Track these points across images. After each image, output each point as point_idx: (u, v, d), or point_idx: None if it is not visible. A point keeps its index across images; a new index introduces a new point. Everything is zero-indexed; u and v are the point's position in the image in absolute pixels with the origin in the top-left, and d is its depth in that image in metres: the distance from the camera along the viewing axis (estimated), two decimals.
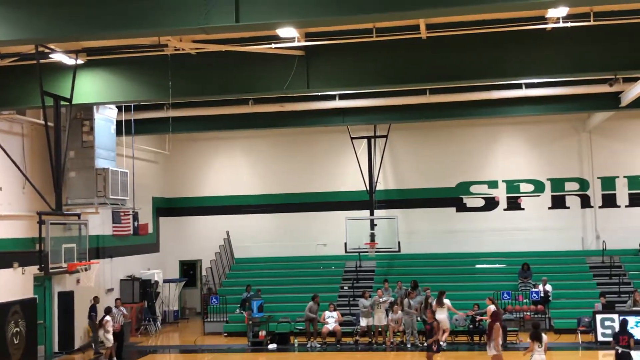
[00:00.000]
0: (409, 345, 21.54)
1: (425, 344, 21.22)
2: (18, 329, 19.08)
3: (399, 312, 22.10)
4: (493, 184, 28.42)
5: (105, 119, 21.12)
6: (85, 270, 19.12)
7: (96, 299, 21.53)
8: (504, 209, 28.29)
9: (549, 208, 28.06)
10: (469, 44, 15.91)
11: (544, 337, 14.83)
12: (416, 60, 16.47)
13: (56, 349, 21.59)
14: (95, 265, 19.87)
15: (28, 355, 19.49)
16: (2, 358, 18.41)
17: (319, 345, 21.91)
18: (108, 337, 20.06)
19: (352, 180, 28.62)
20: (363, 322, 22.11)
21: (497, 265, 27.13)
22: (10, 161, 18.20)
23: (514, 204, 28.23)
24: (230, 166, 30.28)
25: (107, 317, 20.16)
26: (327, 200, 29.33)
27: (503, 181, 28.35)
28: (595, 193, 27.86)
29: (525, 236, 27.72)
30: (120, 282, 25.40)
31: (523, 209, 28.17)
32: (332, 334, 22.18)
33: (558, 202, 28.01)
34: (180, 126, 23.45)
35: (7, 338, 18.65)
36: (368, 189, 27.71)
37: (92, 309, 21.26)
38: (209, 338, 24.23)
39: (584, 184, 27.95)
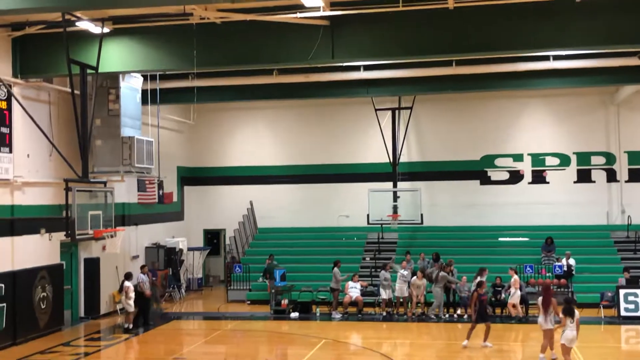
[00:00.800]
0: (431, 316, 21.57)
1: (455, 315, 21.39)
2: (45, 294, 19.39)
3: (423, 279, 22.02)
4: (518, 157, 28.16)
5: (131, 88, 21.16)
6: (111, 237, 19.32)
7: (143, 268, 21.70)
8: (529, 183, 28.07)
9: (574, 182, 27.78)
10: (496, 15, 15.70)
11: (576, 312, 14.75)
12: (443, 30, 16.29)
13: (82, 314, 21.92)
14: (121, 233, 20.06)
15: (54, 319, 19.85)
16: (29, 322, 18.75)
17: (341, 315, 22.01)
18: (129, 303, 20.30)
19: (376, 152, 28.51)
20: (384, 294, 22.14)
21: (520, 239, 26.99)
22: (37, 129, 18.32)
23: (538, 178, 27.98)
24: (254, 137, 30.30)
25: (127, 283, 20.38)
26: (350, 172, 29.30)
27: (528, 154, 28.08)
28: (622, 167, 27.52)
29: (549, 210, 27.52)
30: (145, 249, 25.67)
31: (548, 183, 27.92)
32: (353, 304, 22.26)
33: (584, 176, 27.72)
34: (205, 96, 23.47)
35: (34, 302, 18.98)
36: (391, 161, 27.61)
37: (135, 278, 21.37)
38: (232, 306, 24.46)
39: (610, 158, 27.60)
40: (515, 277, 21.62)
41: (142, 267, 21.90)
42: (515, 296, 21.36)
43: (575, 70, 21.70)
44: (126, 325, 20.21)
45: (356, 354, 17.53)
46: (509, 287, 21.60)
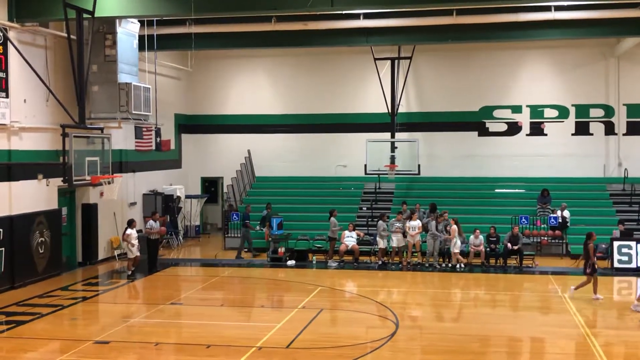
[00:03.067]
0: (426, 265, 21.77)
1: (449, 265, 21.57)
2: (43, 239, 19.51)
3: (417, 219, 22.14)
4: (517, 109, 28.06)
5: (128, 34, 20.94)
6: (109, 183, 19.34)
7: (154, 215, 21.78)
8: (527, 134, 28.01)
9: (572, 134, 27.72)
10: None
11: None
12: None
13: (80, 259, 22.09)
14: (118, 179, 20.07)
15: (52, 264, 20.01)
16: (27, 266, 18.91)
17: (336, 263, 22.20)
18: (132, 250, 20.43)
19: (374, 102, 28.37)
20: (381, 243, 22.28)
21: (516, 190, 27.08)
22: (33, 74, 18.17)
23: (537, 129, 27.92)
24: (252, 85, 30.10)
25: (130, 230, 20.48)
26: (348, 121, 29.20)
27: (527, 106, 27.96)
28: (620, 120, 27.46)
29: (546, 162, 27.55)
30: (143, 196, 25.74)
31: (546, 135, 27.88)
32: (350, 252, 22.44)
33: (582, 129, 27.65)
34: (202, 43, 23.21)
35: (32, 247, 19.11)
36: (390, 111, 27.49)
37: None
38: (229, 253, 24.62)
39: (609, 110, 27.50)
40: (454, 226, 21.77)
41: (152, 214, 21.94)
42: (456, 245, 21.62)
43: (575, 22, 21.47)
44: (129, 272, 20.36)
45: (351, 301, 17.73)
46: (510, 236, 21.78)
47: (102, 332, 14.25)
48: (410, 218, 22.38)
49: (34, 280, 19.09)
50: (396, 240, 22.11)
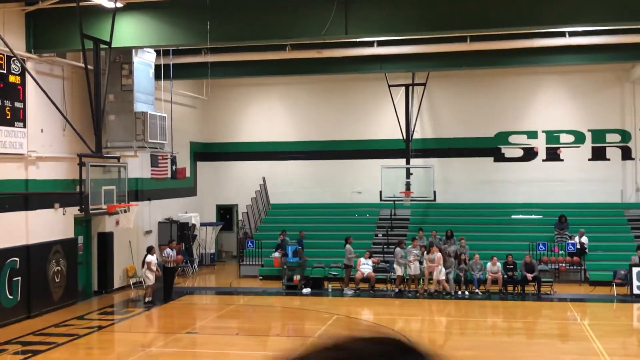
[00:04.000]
0: (443, 293, 21.67)
1: (459, 292, 21.43)
2: (59, 268, 19.60)
3: (437, 252, 22.02)
4: (532, 134, 28.01)
5: (144, 63, 21.18)
6: (125, 212, 19.47)
7: (171, 243, 21.86)
8: (543, 160, 27.91)
9: (589, 159, 27.60)
10: None
11: None
12: (458, 5, 16.16)
13: (96, 288, 22.15)
14: (134, 207, 20.21)
15: (68, 293, 20.07)
16: (44, 295, 18.96)
17: (352, 291, 22.12)
18: (149, 276, 20.49)
19: (389, 129, 28.38)
20: (398, 270, 22.17)
21: (533, 216, 26.91)
22: (51, 103, 18.38)
23: (553, 155, 27.82)
24: (267, 112, 30.27)
25: (150, 257, 20.55)
26: (363, 148, 29.23)
27: (543, 131, 27.89)
28: (637, 145, 27.31)
29: (563, 187, 27.38)
30: (159, 224, 25.84)
31: (562, 160, 27.75)
32: (365, 280, 22.36)
33: (598, 154, 27.54)
34: (218, 71, 23.44)
35: (49, 276, 19.19)
36: (405, 137, 27.52)
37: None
38: (244, 281, 24.64)
39: (625, 135, 27.40)
40: (438, 254, 21.75)
41: (169, 242, 22.02)
42: (441, 273, 21.56)
43: (590, 47, 21.49)
44: (147, 299, 20.40)
45: (367, 330, 17.58)
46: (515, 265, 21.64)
47: None
48: (429, 251, 22.23)
49: (50, 309, 19.13)
50: (413, 268, 22.01)
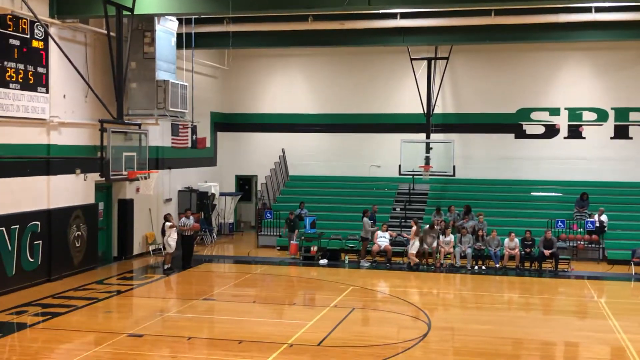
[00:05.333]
0: (457, 265, 21.70)
1: (476, 267, 21.46)
2: (79, 233, 19.80)
3: (451, 235, 22.19)
4: (555, 111, 27.72)
5: (166, 31, 21.15)
6: (145, 178, 19.56)
7: (187, 212, 21.86)
8: (565, 137, 27.63)
9: (611, 138, 27.26)
10: None
11: None
12: None
13: (115, 254, 22.38)
14: (155, 175, 20.28)
15: (89, 258, 20.30)
16: (64, 259, 19.20)
17: (369, 263, 22.17)
18: (170, 244, 20.62)
19: (410, 103, 28.27)
20: (413, 247, 22.22)
21: (553, 194, 26.74)
22: (73, 70, 18.43)
23: (575, 133, 27.53)
24: (288, 84, 30.20)
25: (168, 223, 20.69)
26: (383, 121, 29.12)
27: (565, 109, 27.60)
28: None
29: (584, 165, 27.16)
30: (178, 192, 25.99)
31: (584, 138, 27.46)
32: (382, 253, 22.40)
33: (621, 132, 27.19)
34: (240, 42, 23.33)
35: (69, 240, 19.40)
36: (425, 111, 27.38)
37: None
38: (262, 251, 24.80)
39: None
40: (414, 227, 21.89)
41: (185, 210, 22.12)
42: (414, 246, 21.73)
43: (616, 23, 21.16)
44: (166, 266, 20.58)
45: (383, 301, 17.71)
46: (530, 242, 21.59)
47: (136, 325, 14.42)
48: (444, 233, 22.23)
49: (70, 273, 19.38)
50: (428, 242, 22.03)
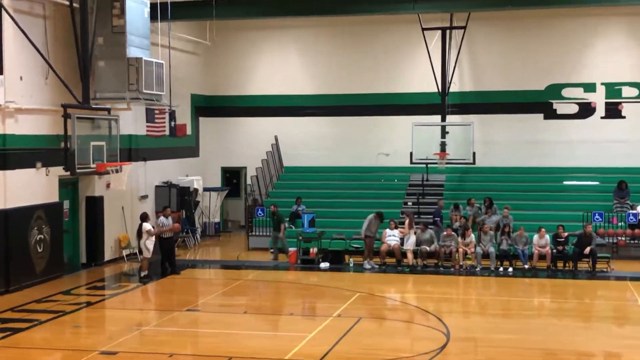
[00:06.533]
0: (478, 269, 21.72)
1: (501, 269, 21.49)
2: (42, 236, 19.77)
3: (472, 235, 22.21)
4: (590, 87, 27.73)
5: (138, 1, 21.09)
6: (116, 172, 19.55)
7: (165, 210, 21.84)
8: (602, 117, 27.67)
9: None
10: None
11: None
12: None
13: (84, 260, 22.37)
14: (127, 167, 20.26)
15: (53, 265, 20.26)
16: (24, 267, 19.16)
17: (377, 266, 22.19)
18: (148, 247, 20.61)
19: (422, 80, 28.28)
20: (409, 243, 22.32)
21: (589, 183, 26.81)
22: (31, 47, 18.40)
23: (613, 111, 27.55)
24: (281, 61, 30.17)
25: (147, 224, 20.68)
26: (391, 102, 29.12)
27: (602, 84, 27.63)
28: None
29: (624, 149, 27.19)
30: (156, 188, 25.98)
31: (624, 117, 27.50)
32: (391, 253, 22.43)
33: None
34: (224, 11, 23.28)
35: (30, 246, 19.36)
36: (440, 90, 27.38)
37: None
38: (253, 254, 24.80)
39: None
40: (407, 221, 22.27)
41: (164, 209, 22.11)
42: (410, 242, 21.96)
43: None
44: (142, 273, 20.58)
45: (394, 308, 17.76)
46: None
47: (109, 341, 14.38)
48: (463, 235, 22.26)
49: (32, 283, 19.33)
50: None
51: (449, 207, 24.74)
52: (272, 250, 24.13)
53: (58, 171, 19.84)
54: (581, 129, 27.75)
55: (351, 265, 22.66)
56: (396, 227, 22.83)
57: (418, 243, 22.37)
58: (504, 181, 27.21)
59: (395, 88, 29.11)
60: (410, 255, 22.03)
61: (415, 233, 22.38)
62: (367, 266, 22.14)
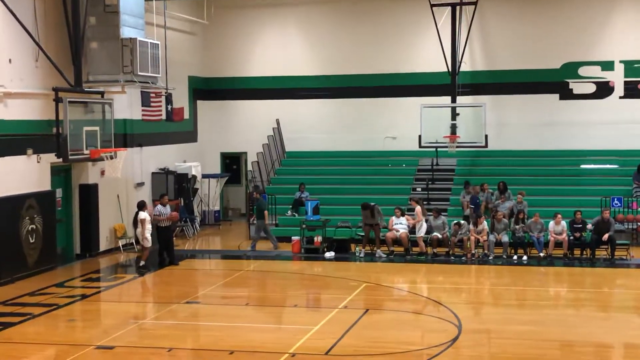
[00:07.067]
0: (490, 258, 21.74)
1: (515, 257, 21.53)
2: (34, 226, 19.82)
3: (484, 222, 22.20)
4: (608, 66, 27.66)
5: None
6: (111, 158, 19.58)
7: (163, 198, 21.77)
8: (620, 97, 27.62)
9: None
10: None
11: None
12: None
13: (78, 250, 22.44)
14: (122, 153, 20.30)
15: (46, 256, 20.33)
16: (15, 259, 19.22)
17: (385, 255, 22.23)
18: (147, 237, 20.65)
19: (431, 59, 28.20)
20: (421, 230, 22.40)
21: (607, 166, 26.83)
22: (20, 28, 18.38)
23: (633, 91, 27.49)
24: (282, 41, 30.12)
25: (143, 214, 20.70)
26: (399, 83, 29.10)
27: (620, 62, 27.56)
28: None
29: None
30: (152, 175, 26.01)
31: None
32: (398, 242, 22.46)
33: None
34: None
35: (22, 236, 19.41)
36: (450, 70, 27.30)
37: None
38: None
39: None
40: (418, 207, 22.29)
41: (161, 196, 22.12)
42: (422, 229, 22.15)
43: None
44: (141, 263, 20.63)
45: (402, 300, 17.76)
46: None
47: (105, 335, 14.42)
48: (475, 224, 22.24)
49: (24, 275, 19.40)
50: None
51: (459, 193, 24.79)
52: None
53: (50, 158, 19.87)
54: (599, 109, 27.71)
55: (358, 254, 22.57)
56: (402, 215, 22.79)
57: (429, 230, 22.42)
58: (517, 165, 27.21)
59: (403, 68, 29.06)
60: (421, 243, 22.06)
61: (427, 221, 22.42)
62: (361, 255, 22.33)
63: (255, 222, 24.21)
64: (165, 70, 22.77)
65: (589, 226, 21.59)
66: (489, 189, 24.55)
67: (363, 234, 23.03)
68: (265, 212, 23.93)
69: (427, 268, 21.09)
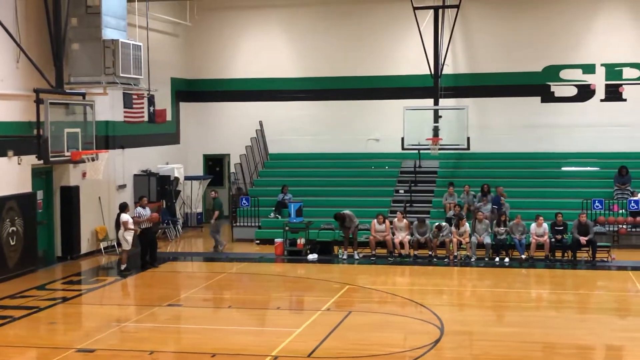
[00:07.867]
0: (473, 260, 21.77)
1: (497, 259, 21.55)
2: (14, 228, 19.69)
3: (466, 224, 22.25)
4: (589, 69, 27.76)
5: None
6: (92, 160, 19.48)
7: (142, 200, 21.70)
8: (601, 100, 27.73)
9: None
10: None
11: None
12: None
13: (59, 253, 22.30)
14: (104, 155, 20.19)
15: (26, 259, 20.21)
16: None
17: (358, 258, 22.27)
18: (127, 239, 20.58)
19: (413, 62, 28.24)
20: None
21: (589, 168, 26.89)
22: (1, 28, 18.24)
23: (613, 94, 27.61)
24: (265, 43, 30.07)
25: (125, 216, 20.61)
26: (381, 86, 29.13)
27: (601, 65, 27.67)
28: None
29: (625, 133, 27.25)
30: (134, 177, 25.90)
31: (625, 100, 27.57)
32: (381, 244, 22.46)
33: None
34: None
35: (2, 238, 19.28)
36: (432, 72, 27.33)
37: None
38: (237, 245, 24.84)
39: None
40: (406, 221, 22.58)
41: (140, 199, 22.03)
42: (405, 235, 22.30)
43: None
44: (122, 267, 20.55)
45: (385, 302, 17.74)
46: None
47: (87, 338, 14.34)
48: (457, 225, 22.26)
49: (4, 277, 19.27)
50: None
51: (442, 195, 24.83)
52: (257, 242, 24.03)
53: (31, 160, 19.74)
54: (580, 112, 27.81)
55: (341, 256, 22.57)
56: (383, 222, 22.66)
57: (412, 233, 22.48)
58: (499, 167, 27.26)
59: (386, 70, 29.10)
60: (406, 246, 22.06)
61: (412, 235, 22.40)
62: (343, 256, 22.34)
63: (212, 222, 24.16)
64: (148, 72, 22.68)
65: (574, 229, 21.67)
66: (471, 192, 24.59)
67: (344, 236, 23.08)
68: (216, 212, 23.82)
69: (410, 270, 21.12)
